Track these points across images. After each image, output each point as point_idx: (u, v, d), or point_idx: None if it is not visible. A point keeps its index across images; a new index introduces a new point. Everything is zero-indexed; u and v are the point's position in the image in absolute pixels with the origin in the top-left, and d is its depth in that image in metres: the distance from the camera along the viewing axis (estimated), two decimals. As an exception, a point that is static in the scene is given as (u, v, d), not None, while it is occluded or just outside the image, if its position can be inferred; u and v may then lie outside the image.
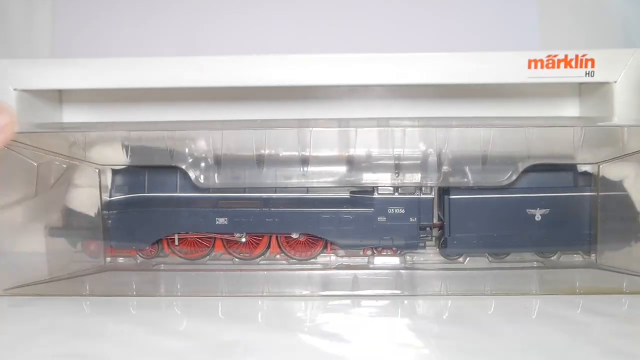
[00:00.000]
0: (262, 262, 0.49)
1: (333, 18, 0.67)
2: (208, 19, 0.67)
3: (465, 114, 0.60)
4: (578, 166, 0.46)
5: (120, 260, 0.49)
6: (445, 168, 0.45)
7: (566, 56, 0.50)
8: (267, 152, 0.45)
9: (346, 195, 0.47)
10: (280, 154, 0.46)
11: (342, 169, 0.45)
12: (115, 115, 0.61)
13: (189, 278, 0.48)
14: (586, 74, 0.50)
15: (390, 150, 0.45)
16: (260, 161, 0.45)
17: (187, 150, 0.45)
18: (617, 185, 0.45)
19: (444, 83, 0.52)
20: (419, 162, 0.45)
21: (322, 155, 0.45)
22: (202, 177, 0.45)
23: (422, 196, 0.46)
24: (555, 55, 0.50)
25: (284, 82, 0.52)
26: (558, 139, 0.45)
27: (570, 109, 0.59)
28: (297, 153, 0.45)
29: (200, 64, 0.52)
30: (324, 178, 0.45)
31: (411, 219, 0.46)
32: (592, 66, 0.50)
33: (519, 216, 0.46)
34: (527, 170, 0.45)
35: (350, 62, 0.52)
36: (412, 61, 0.51)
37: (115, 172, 0.48)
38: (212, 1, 0.67)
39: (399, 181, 0.45)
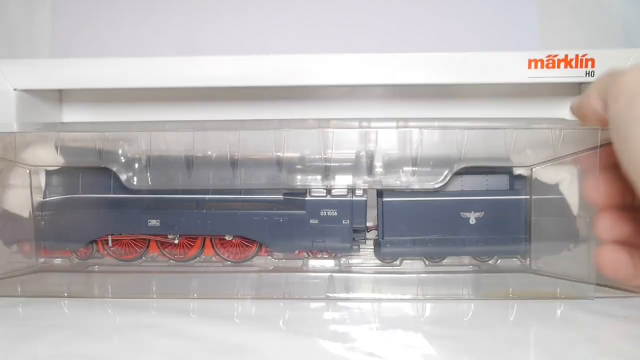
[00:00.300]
0: (196, 263, 0.49)
1: (333, 18, 0.67)
2: (208, 19, 0.67)
3: (465, 115, 0.60)
4: (513, 169, 0.46)
5: (56, 261, 0.49)
6: (377, 170, 0.44)
7: (566, 56, 0.50)
8: (198, 153, 0.45)
9: (279, 197, 0.47)
10: (213, 156, 0.45)
11: (275, 170, 0.44)
12: (115, 115, 0.61)
13: (122, 279, 0.47)
14: (586, 74, 0.50)
15: (323, 152, 0.44)
16: (191, 163, 0.45)
17: (119, 151, 0.45)
18: (553, 188, 0.44)
19: (444, 83, 0.52)
20: (351, 164, 0.44)
21: (254, 158, 0.45)
22: (133, 178, 0.45)
23: (355, 198, 0.46)
24: (555, 55, 0.50)
25: (284, 82, 0.52)
26: (492, 141, 0.44)
27: (570, 109, 0.59)
28: (228, 155, 0.45)
29: (200, 64, 0.52)
30: (256, 180, 0.45)
31: (344, 222, 0.46)
32: (592, 66, 0.50)
33: (453, 219, 0.45)
34: (461, 173, 0.45)
35: (350, 62, 0.52)
36: (412, 61, 0.51)
37: (49, 173, 0.48)
38: (212, 1, 0.67)
39: (331, 183, 0.45)
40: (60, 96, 0.61)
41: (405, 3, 0.66)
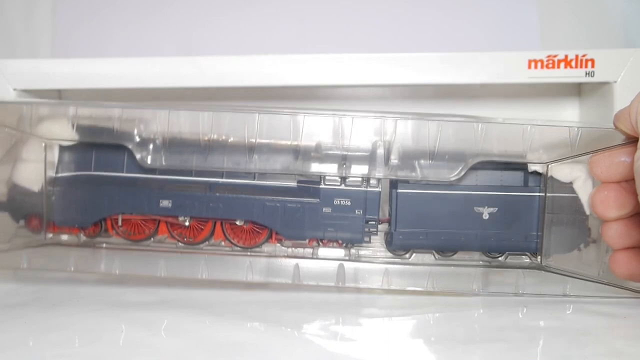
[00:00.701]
0: (205, 247, 0.48)
1: (333, 18, 0.67)
2: (208, 19, 0.67)
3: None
4: (528, 166, 0.46)
5: (63, 237, 0.48)
6: (393, 161, 0.44)
7: (566, 56, 0.50)
8: (214, 135, 0.44)
9: (292, 184, 0.46)
10: (229, 139, 0.45)
11: (290, 157, 0.44)
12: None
13: (130, 257, 0.47)
14: (586, 74, 0.50)
15: (340, 140, 0.44)
16: (207, 145, 0.44)
17: (135, 130, 0.44)
18: (567, 186, 0.44)
19: (444, 83, 0.52)
20: (367, 154, 0.44)
21: (270, 143, 0.44)
22: (148, 157, 0.44)
23: (369, 189, 0.46)
24: (555, 55, 0.50)
25: (284, 82, 0.52)
26: (508, 136, 0.44)
27: (570, 109, 0.59)
28: (245, 138, 0.44)
29: (200, 64, 0.52)
30: (271, 165, 0.44)
31: (357, 212, 0.45)
32: (592, 66, 0.50)
33: (467, 214, 0.45)
34: (476, 168, 0.45)
35: (350, 62, 0.52)
36: (412, 61, 0.51)
37: (62, 149, 0.47)
38: (212, 1, 0.67)
39: (346, 172, 0.45)
40: (60, 96, 0.61)
41: (406, 3, 0.66)
